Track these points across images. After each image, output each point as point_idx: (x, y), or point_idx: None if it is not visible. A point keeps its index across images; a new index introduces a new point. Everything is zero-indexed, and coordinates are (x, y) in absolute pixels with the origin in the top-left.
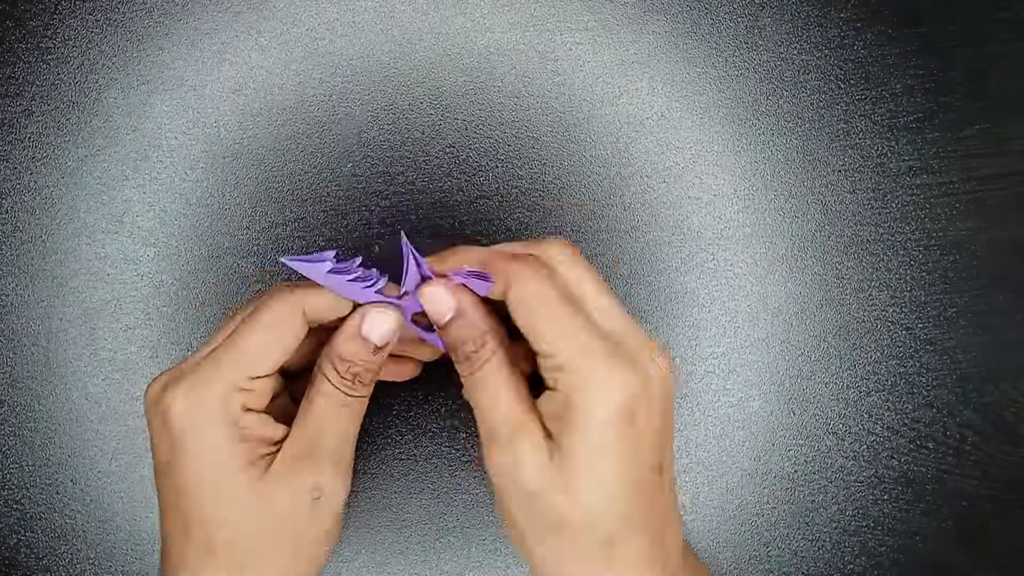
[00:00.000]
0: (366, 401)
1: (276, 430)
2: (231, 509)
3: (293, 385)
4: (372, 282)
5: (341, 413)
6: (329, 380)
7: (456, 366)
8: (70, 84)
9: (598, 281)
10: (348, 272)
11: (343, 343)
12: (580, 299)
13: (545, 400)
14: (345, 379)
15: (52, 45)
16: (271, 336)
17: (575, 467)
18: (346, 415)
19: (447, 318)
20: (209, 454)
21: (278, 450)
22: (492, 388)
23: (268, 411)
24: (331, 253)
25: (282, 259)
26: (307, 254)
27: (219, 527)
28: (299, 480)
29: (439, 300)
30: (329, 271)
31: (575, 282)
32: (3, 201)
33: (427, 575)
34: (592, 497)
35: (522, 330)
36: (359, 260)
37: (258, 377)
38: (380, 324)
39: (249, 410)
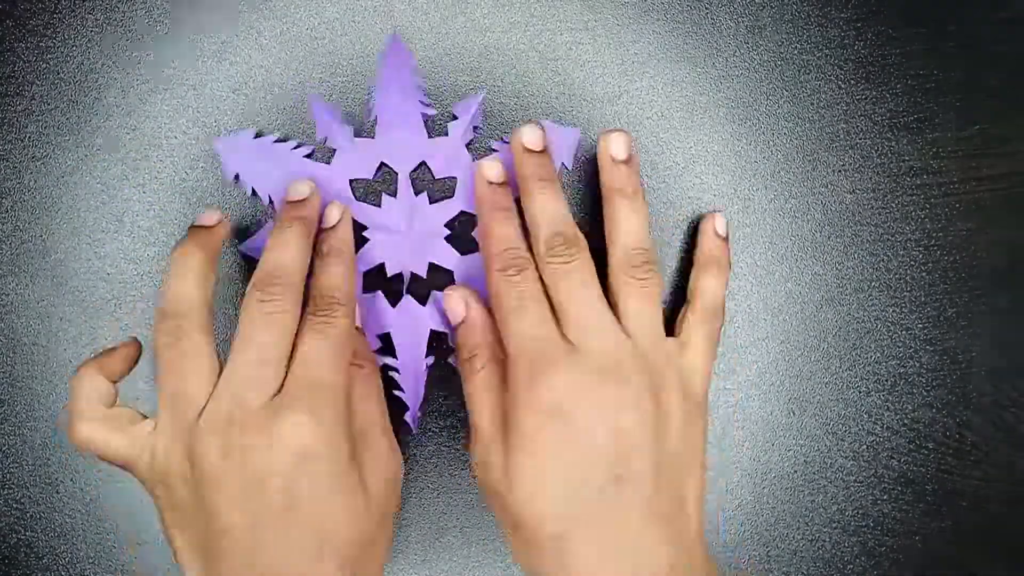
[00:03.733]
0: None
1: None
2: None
3: None
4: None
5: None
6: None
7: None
8: (70, 83)
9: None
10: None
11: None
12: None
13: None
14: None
15: (52, 44)
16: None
17: (515, 465)
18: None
19: (456, 323)
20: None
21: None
22: (477, 398)
23: None
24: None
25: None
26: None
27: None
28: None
29: (451, 305)
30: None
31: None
32: (3, 201)
33: (427, 575)
34: (533, 497)
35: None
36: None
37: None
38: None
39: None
